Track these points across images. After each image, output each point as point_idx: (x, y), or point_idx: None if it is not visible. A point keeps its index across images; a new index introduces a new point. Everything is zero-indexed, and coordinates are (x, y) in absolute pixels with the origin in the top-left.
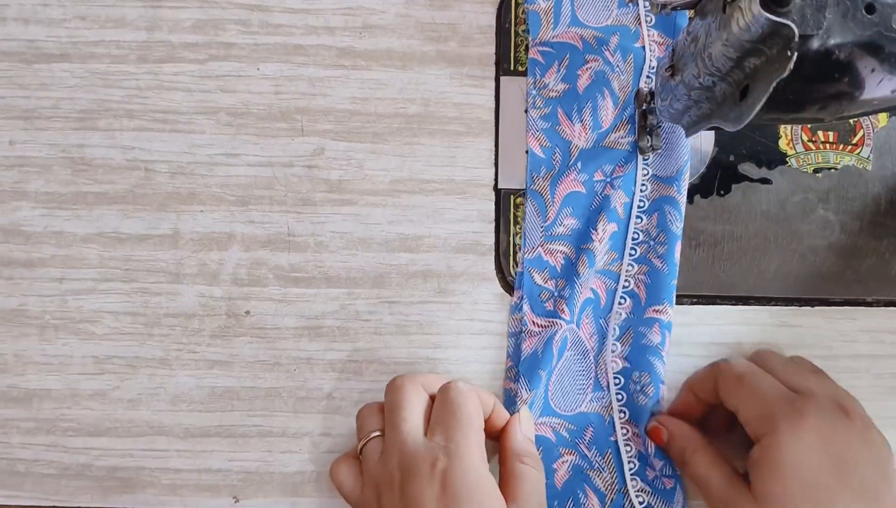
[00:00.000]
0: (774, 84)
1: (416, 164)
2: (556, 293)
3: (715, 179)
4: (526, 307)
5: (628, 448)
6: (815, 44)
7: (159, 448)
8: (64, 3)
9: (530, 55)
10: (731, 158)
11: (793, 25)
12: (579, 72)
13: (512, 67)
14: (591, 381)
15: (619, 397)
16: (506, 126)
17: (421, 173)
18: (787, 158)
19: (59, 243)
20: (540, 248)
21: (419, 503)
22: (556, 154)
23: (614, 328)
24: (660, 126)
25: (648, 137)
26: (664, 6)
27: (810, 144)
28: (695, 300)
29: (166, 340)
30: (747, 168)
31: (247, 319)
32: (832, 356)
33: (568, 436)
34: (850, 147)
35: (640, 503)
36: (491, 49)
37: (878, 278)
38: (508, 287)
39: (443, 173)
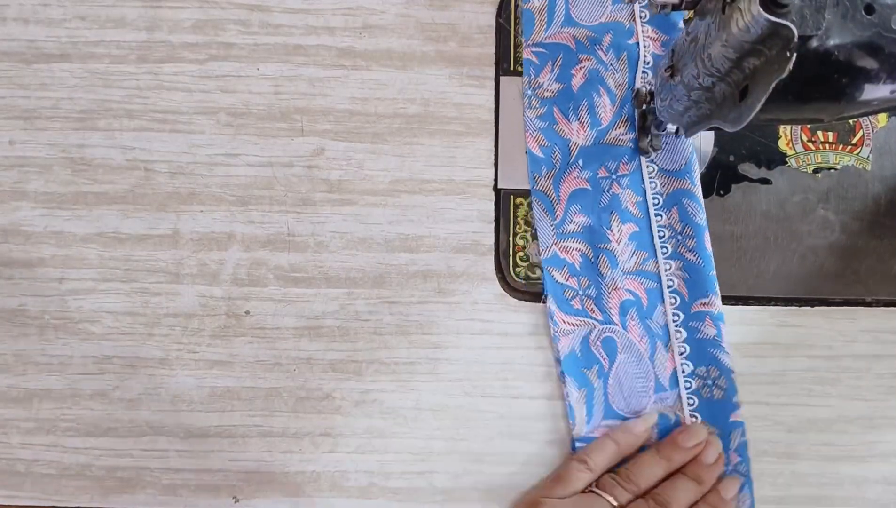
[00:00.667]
0: (774, 85)
1: (416, 164)
2: (580, 292)
3: (715, 180)
4: (553, 307)
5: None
6: (814, 44)
7: (159, 448)
8: (64, 3)
9: (524, 55)
10: (731, 158)
11: (792, 26)
12: (573, 71)
13: (511, 67)
14: (651, 383)
15: (690, 401)
16: (505, 126)
17: (421, 173)
18: (787, 159)
19: (59, 243)
20: (554, 246)
21: None
22: (556, 153)
23: (676, 331)
24: (662, 129)
25: (648, 137)
26: (663, 7)
27: (810, 145)
28: None
29: (166, 340)
30: (747, 168)
31: (247, 319)
32: (832, 356)
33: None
34: (849, 147)
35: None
36: (491, 49)
37: (878, 277)
38: (508, 287)
39: (443, 173)
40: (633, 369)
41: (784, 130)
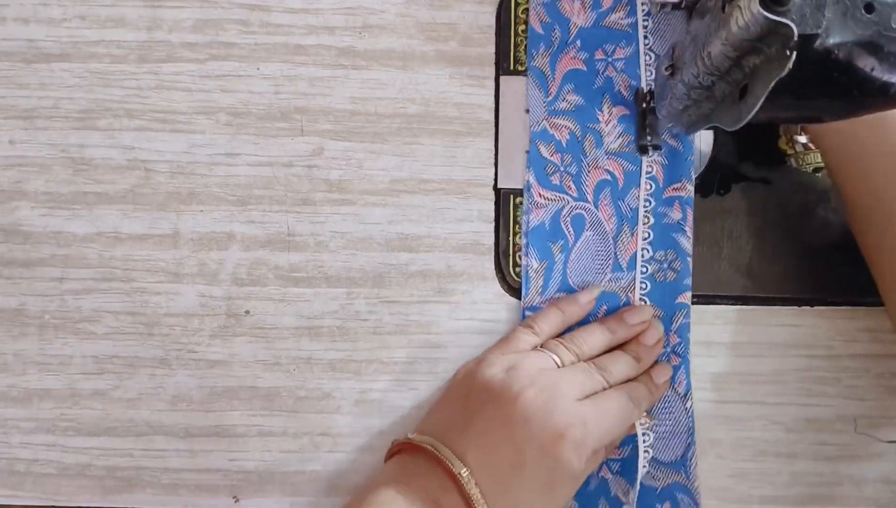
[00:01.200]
0: (774, 83)
1: (416, 164)
2: (561, 168)
3: (714, 179)
4: (532, 179)
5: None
6: (814, 43)
7: (159, 447)
8: (64, 2)
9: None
10: (731, 157)
11: (792, 25)
12: None
13: (512, 67)
14: (610, 262)
15: (643, 285)
16: (506, 126)
17: (421, 173)
18: (787, 158)
19: (59, 242)
20: (545, 121)
21: None
22: (556, 31)
23: (645, 216)
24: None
25: (648, 136)
26: (664, 5)
27: (810, 144)
28: (694, 300)
29: (166, 340)
30: (746, 168)
31: (246, 319)
32: (832, 356)
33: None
34: None
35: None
36: (491, 49)
37: None
38: (508, 287)
39: (442, 173)
40: (595, 246)
41: (784, 130)
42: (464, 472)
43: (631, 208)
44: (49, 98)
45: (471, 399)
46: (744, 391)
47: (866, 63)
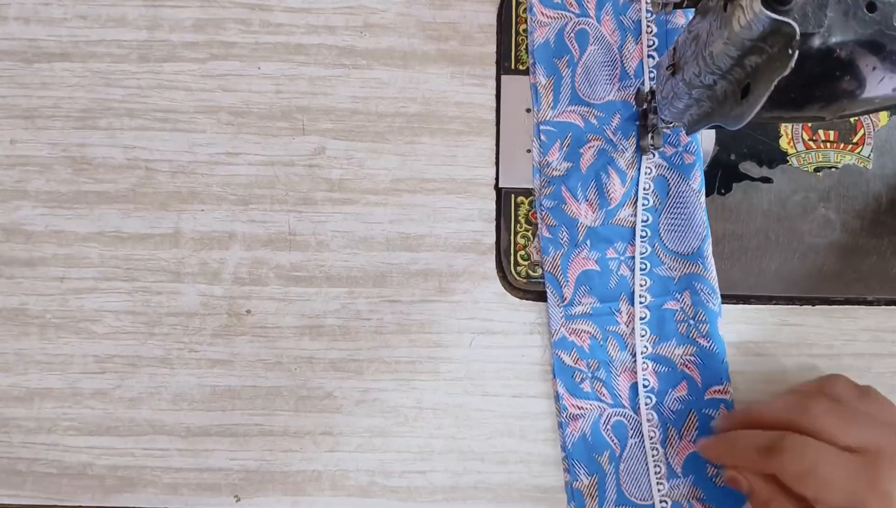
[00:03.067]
0: (776, 82)
1: (417, 163)
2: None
3: (716, 178)
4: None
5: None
6: (816, 42)
7: (160, 447)
8: (65, 2)
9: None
10: (732, 156)
11: (794, 24)
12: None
13: (513, 66)
14: (617, 71)
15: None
16: (507, 125)
17: (422, 172)
18: (788, 157)
19: (60, 242)
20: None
21: None
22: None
23: (648, 26)
24: (666, 126)
25: (650, 136)
26: (665, 5)
27: (811, 143)
28: None
29: (167, 339)
30: (748, 167)
31: (248, 318)
32: (833, 355)
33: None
34: (850, 146)
35: (650, 176)
36: (492, 48)
37: (879, 276)
38: (509, 286)
39: (444, 172)
40: (601, 57)
41: (785, 129)
42: None
43: (633, 21)
44: (50, 98)
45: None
46: (746, 391)
47: (868, 62)
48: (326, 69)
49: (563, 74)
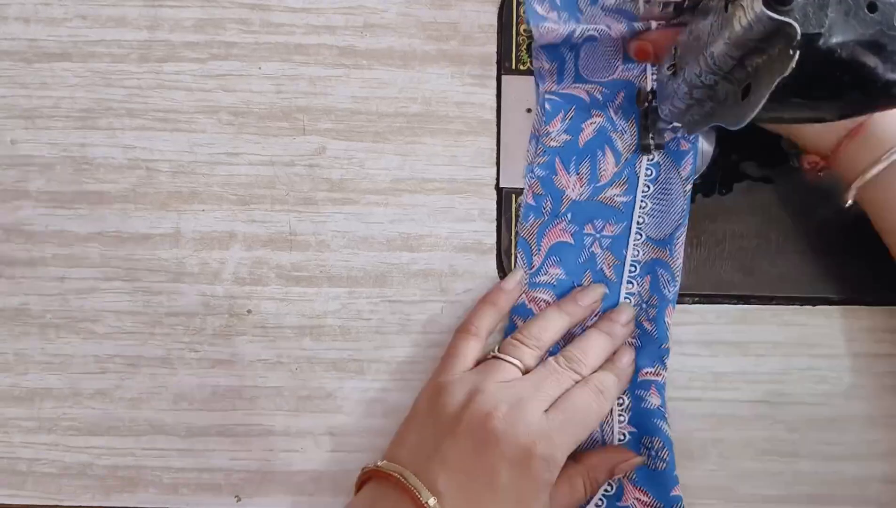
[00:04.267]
0: (776, 83)
1: (418, 163)
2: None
3: (716, 178)
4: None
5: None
6: (817, 42)
7: (161, 447)
8: (65, 2)
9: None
10: (733, 156)
11: (795, 24)
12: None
13: (513, 66)
14: (620, 53)
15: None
16: (507, 125)
17: (422, 172)
18: (789, 157)
19: (61, 242)
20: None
21: None
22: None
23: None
24: (667, 127)
25: (650, 135)
26: (666, 5)
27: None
28: (696, 299)
29: (168, 339)
30: (749, 167)
31: (248, 318)
32: (833, 356)
33: None
34: None
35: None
36: (492, 48)
37: (880, 276)
38: None
39: (444, 172)
40: (604, 44)
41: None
42: (431, 501)
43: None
44: (50, 98)
45: (438, 427)
46: (746, 391)
47: (869, 62)
48: (327, 69)
49: (567, 59)
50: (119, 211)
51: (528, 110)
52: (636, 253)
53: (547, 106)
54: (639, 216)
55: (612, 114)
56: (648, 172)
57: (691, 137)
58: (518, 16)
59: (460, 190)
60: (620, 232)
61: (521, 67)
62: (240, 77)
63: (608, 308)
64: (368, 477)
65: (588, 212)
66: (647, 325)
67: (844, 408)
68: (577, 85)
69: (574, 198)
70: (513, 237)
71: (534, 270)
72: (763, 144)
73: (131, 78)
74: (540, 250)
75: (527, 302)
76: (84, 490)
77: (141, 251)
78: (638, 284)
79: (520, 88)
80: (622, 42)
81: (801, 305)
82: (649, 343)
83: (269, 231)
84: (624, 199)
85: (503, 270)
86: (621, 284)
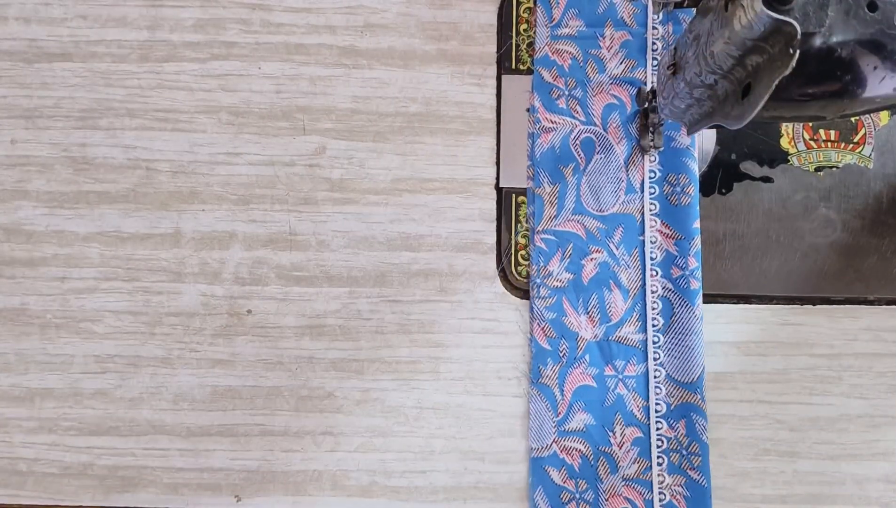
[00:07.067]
0: (777, 82)
1: (418, 163)
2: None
3: (716, 178)
4: (538, 103)
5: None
6: (817, 42)
7: (161, 447)
8: (65, 2)
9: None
10: (733, 156)
11: (795, 23)
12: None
13: (513, 66)
14: (623, 184)
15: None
16: (507, 125)
17: (422, 172)
18: (789, 157)
19: (61, 242)
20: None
21: None
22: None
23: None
24: (661, 124)
25: (651, 135)
26: (666, 4)
27: (812, 143)
28: None
29: (168, 339)
30: (749, 167)
31: (248, 318)
32: (834, 355)
33: None
34: (851, 145)
35: (656, 294)
36: (492, 48)
37: (880, 276)
38: (510, 286)
39: (444, 172)
40: (607, 169)
41: (786, 129)
42: None
43: (637, 130)
44: (51, 98)
45: None
46: (746, 390)
47: (869, 61)
48: (327, 69)
49: (569, 183)
50: (119, 211)
51: (528, 110)
52: (658, 391)
53: (542, 245)
54: (654, 352)
55: (613, 249)
56: (655, 306)
57: (699, 275)
58: (518, 16)
59: (460, 190)
60: (644, 371)
61: (521, 67)
62: (240, 77)
63: (644, 451)
64: None
65: (605, 353)
66: (692, 474)
67: (845, 408)
68: (575, 218)
69: (589, 339)
70: (512, 237)
71: (560, 417)
72: (763, 143)
73: (132, 78)
74: (564, 395)
75: (558, 452)
76: (84, 489)
77: (141, 251)
78: (672, 428)
79: (520, 88)
80: (626, 173)
81: (802, 304)
82: (698, 492)
83: (269, 231)
84: (640, 336)
85: (503, 270)
86: (650, 425)
